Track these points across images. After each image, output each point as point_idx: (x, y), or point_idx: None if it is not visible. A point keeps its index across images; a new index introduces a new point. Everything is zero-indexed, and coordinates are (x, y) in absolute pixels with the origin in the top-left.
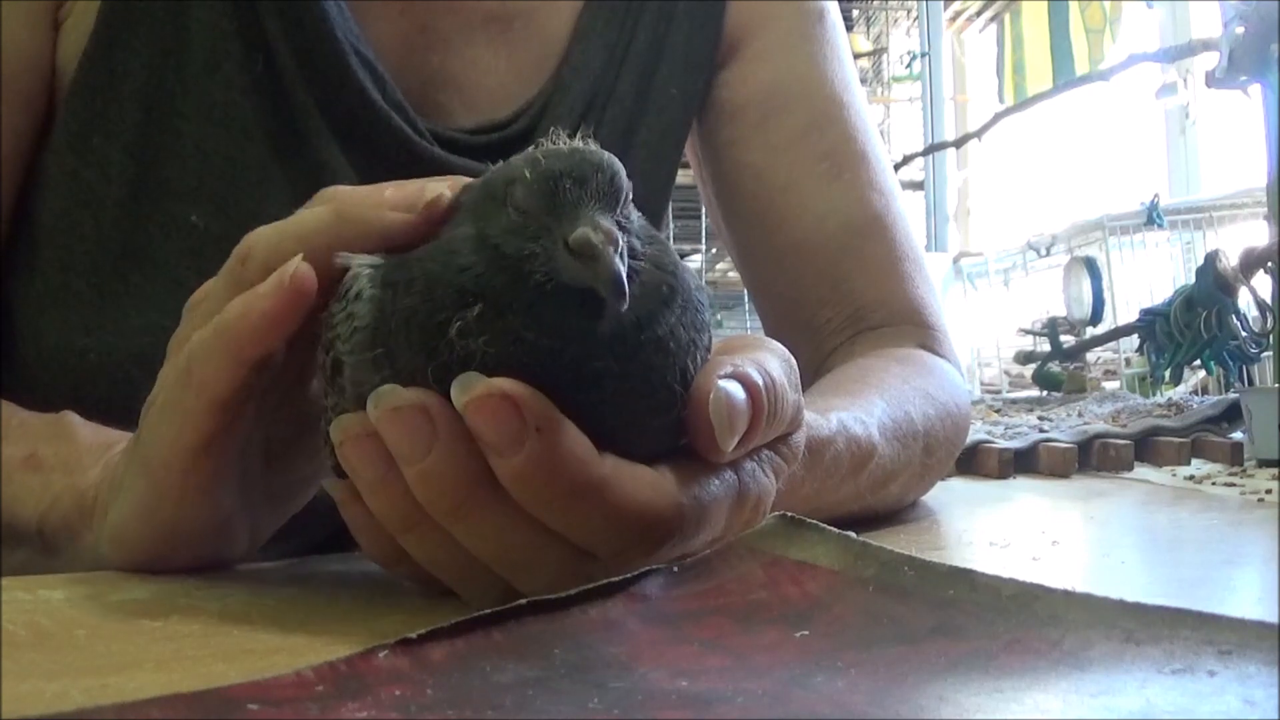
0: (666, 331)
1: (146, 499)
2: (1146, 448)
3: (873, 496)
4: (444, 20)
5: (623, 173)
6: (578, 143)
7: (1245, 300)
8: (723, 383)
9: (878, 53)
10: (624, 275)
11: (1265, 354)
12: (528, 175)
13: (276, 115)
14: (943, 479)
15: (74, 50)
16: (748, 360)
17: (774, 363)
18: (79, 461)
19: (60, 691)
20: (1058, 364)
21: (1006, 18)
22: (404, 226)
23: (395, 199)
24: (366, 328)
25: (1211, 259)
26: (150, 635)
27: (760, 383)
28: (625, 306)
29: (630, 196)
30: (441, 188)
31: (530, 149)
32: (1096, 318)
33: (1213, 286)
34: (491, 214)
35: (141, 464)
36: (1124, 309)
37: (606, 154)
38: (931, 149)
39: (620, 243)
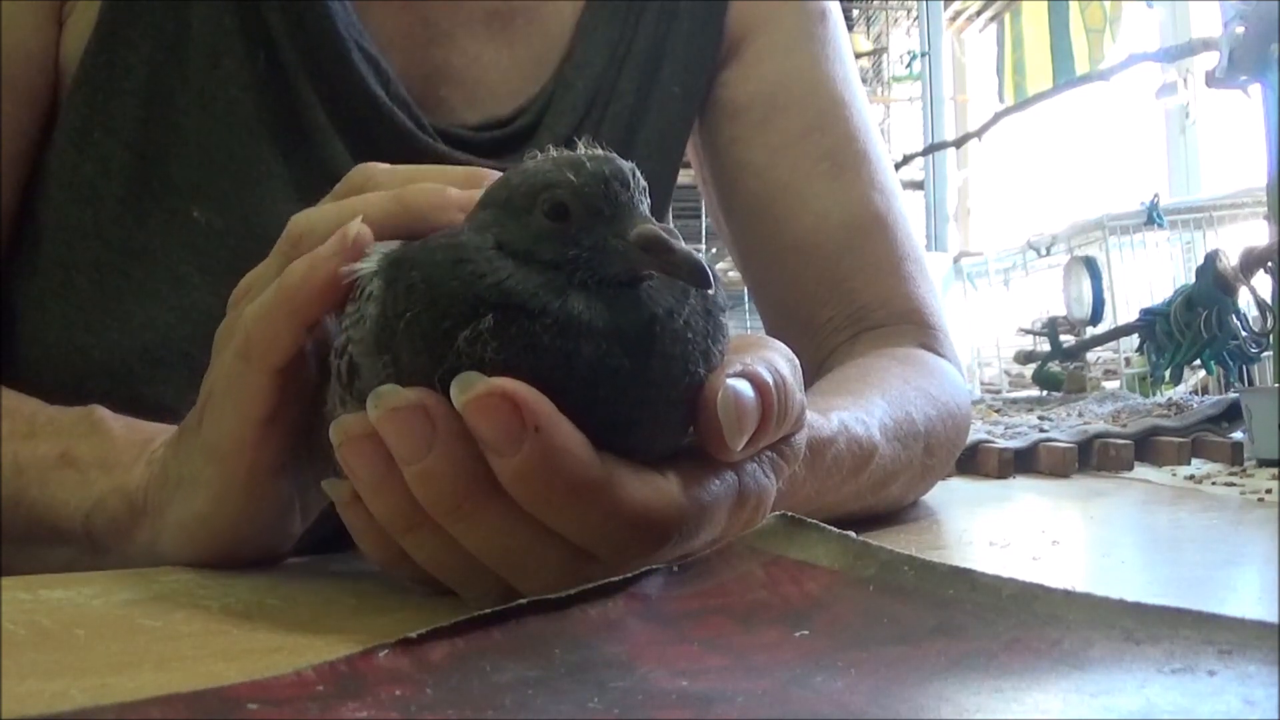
0: (683, 323)
1: (215, 487)
2: (1146, 448)
3: (873, 496)
4: (446, 16)
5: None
6: (590, 150)
7: (1245, 300)
8: (732, 381)
9: (878, 53)
10: (703, 262)
11: (1265, 354)
12: (574, 180)
13: (279, 111)
14: (943, 479)
15: (77, 48)
16: (756, 359)
17: (781, 362)
18: (117, 459)
19: (60, 691)
20: (1058, 364)
21: (1006, 18)
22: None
23: (454, 198)
24: (372, 329)
25: (1211, 259)
26: (150, 635)
27: (770, 381)
28: (714, 290)
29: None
30: (480, 181)
31: (533, 160)
32: (1096, 318)
33: (1213, 286)
34: (506, 222)
35: (206, 452)
36: (1124, 309)
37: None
38: (931, 149)
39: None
